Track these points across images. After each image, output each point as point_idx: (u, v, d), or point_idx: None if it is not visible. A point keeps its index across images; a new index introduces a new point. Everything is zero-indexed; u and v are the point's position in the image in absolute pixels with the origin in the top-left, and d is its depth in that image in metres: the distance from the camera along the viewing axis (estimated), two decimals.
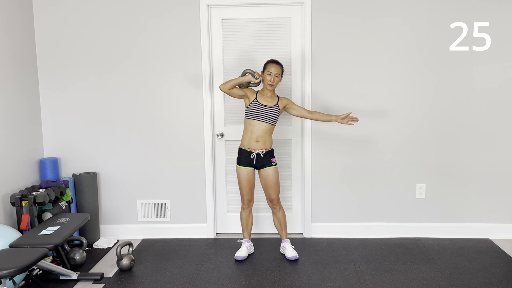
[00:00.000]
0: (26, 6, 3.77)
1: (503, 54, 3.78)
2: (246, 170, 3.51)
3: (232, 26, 3.87)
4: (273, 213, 3.64)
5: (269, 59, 3.53)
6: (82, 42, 3.88)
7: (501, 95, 3.84)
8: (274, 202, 3.58)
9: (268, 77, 3.41)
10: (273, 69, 3.39)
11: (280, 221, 3.64)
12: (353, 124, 3.56)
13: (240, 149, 3.53)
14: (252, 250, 3.70)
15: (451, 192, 3.98)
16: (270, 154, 3.51)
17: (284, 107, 3.52)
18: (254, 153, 3.46)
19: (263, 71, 3.46)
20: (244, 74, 3.47)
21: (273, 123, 3.47)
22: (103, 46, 3.88)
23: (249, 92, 3.50)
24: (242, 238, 3.77)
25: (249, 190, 3.57)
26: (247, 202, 3.60)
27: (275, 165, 3.53)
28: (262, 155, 3.47)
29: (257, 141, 3.45)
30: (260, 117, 3.42)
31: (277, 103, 3.47)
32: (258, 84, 3.49)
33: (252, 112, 3.44)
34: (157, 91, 3.94)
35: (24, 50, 3.74)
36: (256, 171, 3.60)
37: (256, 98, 3.46)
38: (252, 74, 3.44)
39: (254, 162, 3.48)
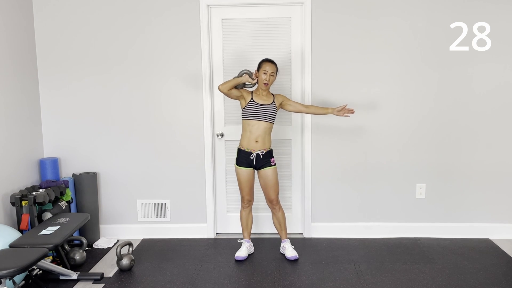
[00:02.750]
0: (26, 5, 3.77)
1: (503, 54, 3.78)
2: (245, 171, 3.51)
3: (232, 26, 3.87)
4: (273, 213, 3.64)
5: (263, 58, 3.52)
6: (82, 41, 3.88)
7: (501, 96, 3.84)
8: (274, 203, 3.58)
9: (263, 76, 3.41)
10: (268, 67, 3.40)
11: (280, 221, 3.64)
12: (349, 116, 3.57)
13: (239, 150, 3.53)
14: (252, 250, 3.70)
15: (451, 192, 3.98)
16: (269, 154, 3.51)
17: (280, 104, 3.52)
18: (253, 154, 3.46)
19: (258, 70, 3.47)
20: (241, 74, 3.47)
21: (272, 121, 3.47)
22: (104, 46, 3.88)
23: (245, 93, 3.50)
24: (242, 238, 3.76)
25: (249, 190, 3.57)
26: (247, 202, 3.60)
27: (274, 165, 3.53)
28: (261, 156, 3.47)
29: (257, 141, 3.45)
30: (259, 116, 3.42)
31: (273, 101, 3.48)
32: (254, 85, 3.50)
33: (250, 112, 3.44)
34: (157, 91, 3.94)
35: (24, 50, 3.74)
36: (256, 171, 3.60)
37: (252, 98, 3.47)
38: (250, 74, 3.45)
39: (254, 163, 3.48)
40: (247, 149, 3.47)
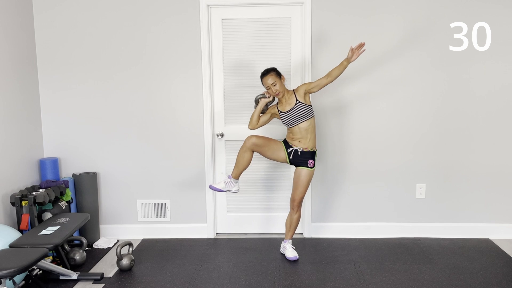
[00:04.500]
0: (26, 7, 3.77)
1: (503, 54, 3.78)
2: (277, 140, 3.52)
3: (232, 26, 3.87)
4: (290, 213, 3.63)
5: (260, 74, 3.47)
6: (82, 42, 3.88)
7: (501, 96, 3.84)
8: (295, 204, 3.56)
9: (270, 91, 3.42)
10: (268, 81, 3.38)
11: (292, 223, 3.63)
12: (364, 50, 3.33)
13: (284, 139, 3.55)
14: (234, 188, 3.49)
15: (451, 192, 3.98)
16: (309, 155, 3.47)
17: (305, 93, 3.46)
18: (292, 148, 3.46)
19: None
20: (257, 101, 3.51)
21: (308, 118, 3.42)
22: (103, 46, 3.88)
23: (272, 110, 3.54)
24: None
25: (264, 139, 3.42)
26: (254, 140, 3.38)
27: (311, 167, 3.48)
28: (299, 153, 3.46)
29: (299, 141, 3.46)
30: (294, 121, 3.42)
31: (296, 99, 3.43)
32: (273, 100, 3.52)
33: (286, 122, 3.45)
34: (157, 91, 3.94)
35: (24, 51, 3.74)
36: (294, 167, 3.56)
37: (279, 110, 3.48)
38: (264, 96, 3.48)
39: (291, 157, 3.47)
40: (290, 143, 3.49)
